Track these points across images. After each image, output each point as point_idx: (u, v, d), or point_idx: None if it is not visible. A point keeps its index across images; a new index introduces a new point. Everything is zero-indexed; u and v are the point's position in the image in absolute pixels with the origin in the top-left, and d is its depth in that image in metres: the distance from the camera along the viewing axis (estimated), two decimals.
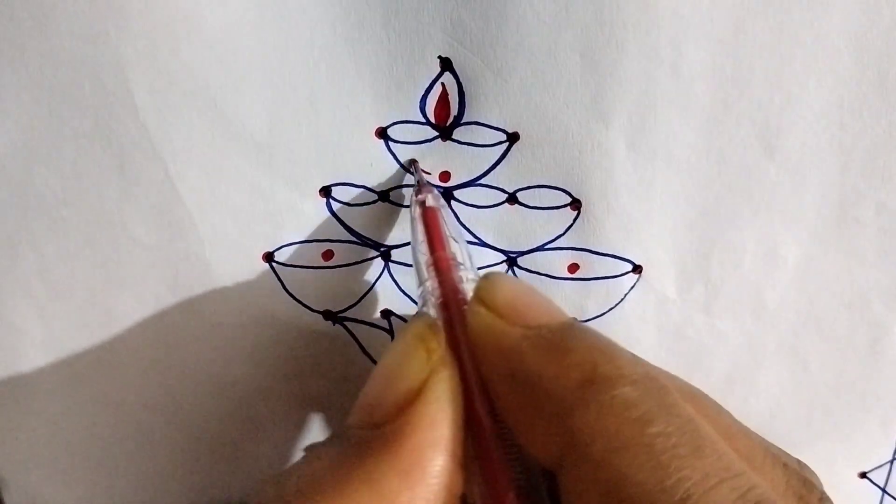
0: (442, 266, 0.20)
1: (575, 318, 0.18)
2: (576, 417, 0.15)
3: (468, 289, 0.19)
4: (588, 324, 0.25)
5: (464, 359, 0.18)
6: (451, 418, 0.17)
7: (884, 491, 0.29)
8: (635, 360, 0.17)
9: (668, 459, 0.14)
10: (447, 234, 0.21)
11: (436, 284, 0.19)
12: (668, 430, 0.15)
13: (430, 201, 0.21)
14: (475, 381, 0.17)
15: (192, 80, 0.21)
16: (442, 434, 0.16)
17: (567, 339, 0.17)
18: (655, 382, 0.16)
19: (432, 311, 0.19)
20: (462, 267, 0.20)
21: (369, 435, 0.17)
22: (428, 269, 0.20)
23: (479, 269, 0.24)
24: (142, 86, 0.21)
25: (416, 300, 0.21)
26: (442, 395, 0.17)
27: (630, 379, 0.16)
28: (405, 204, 0.23)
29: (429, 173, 0.23)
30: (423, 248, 0.21)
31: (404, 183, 0.23)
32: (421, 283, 0.20)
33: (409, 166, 0.23)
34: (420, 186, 0.22)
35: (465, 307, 0.18)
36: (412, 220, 0.22)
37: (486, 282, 0.18)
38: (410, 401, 0.17)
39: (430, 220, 0.21)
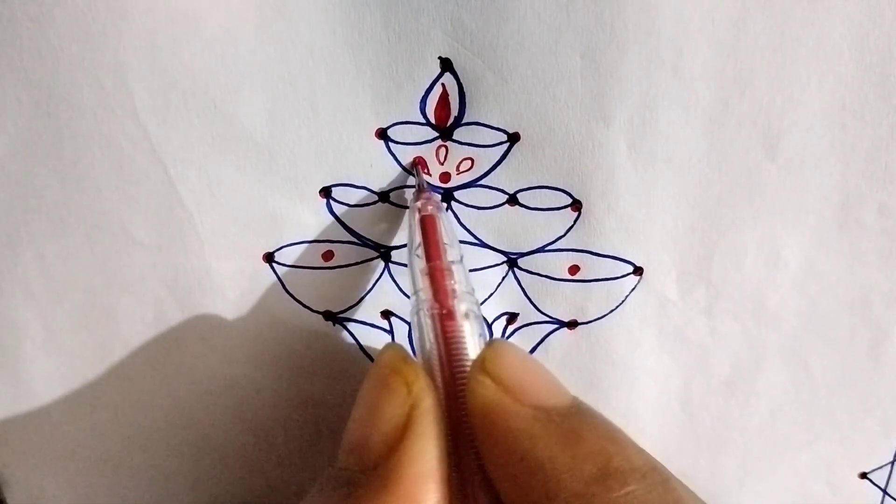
0: (436, 276, 0.20)
1: (578, 399, 0.18)
2: None
3: (460, 303, 0.19)
4: (589, 326, 0.25)
5: (448, 380, 0.18)
6: (439, 448, 0.17)
7: (884, 492, 0.29)
8: (640, 449, 0.17)
9: None
10: (444, 242, 0.21)
11: (429, 294, 0.20)
12: None
13: (428, 209, 0.21)
14: (459, 416, 0.18)
15: (192, 82, 0.21)
16: (433, 466, 0.17)
17: (578, 425, 0.17)
18: (661, 475, 0.16)
19: (425, 320, 0.19)
20: (456, 279, 0.20)
21: (363, 478, 0.17)
22: (423, 278, 0.20)
23: (479, 269, 0.24)
24: (141, 87, 0.21)
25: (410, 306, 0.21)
26: (428, 426, 0.17)
27: (640, 472, 0.16)
28: (406, 205, 0.23)
29: (430, 174, 0.23)
30: (420, 253, 0.21)
31: (406, 184, 0.23)
32: (415, 290, 0.20)
33: (412, 168, 0.23)
34: (420, 192, 0.22)
35: (462, 343, 0.18)
36: (410, 225, 0.22)
37: (491, 352, 0.18)
38: (398, 437, 0.17)
39: (427, 228, 0.21)
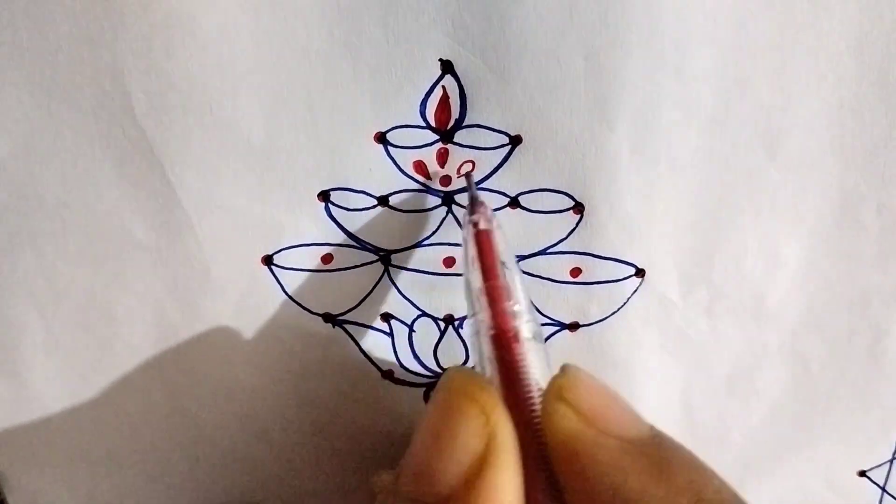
0: (496, 297, 0.19)
1: (654, 426, 0.18)
2: None
3: (522, 324, 0.18)
4: (591, 328, 0.25)
5: (513, 405, 0.17)
6: (518, 483, 0.16)
7: (883, 490, 0.29)
8: (721, 479, 0.17)
9: None
10: (500, 259, 0.20)
11: (488, 316, 0.19)
12: None
13: (483, 223, 0.20)
14: (531, 441, 0.17)
15: (189, 84, 0.21)
16: (512, 500, 0.16)
17: (666, 456, 0.17)
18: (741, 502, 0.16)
19: (485, 343, 0.19)
20: (515, 300, 0.19)
21: None
22: (482, 298, 0.19)
23: None
24: (139, 89, 0.21)
25: (468, 328, 0.20)
26: (508, 460, 0.16)
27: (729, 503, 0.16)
28: (404, 209, 0.23)
29: (430, 178, 0.23)
30: (476, 272, 0.20)
31: (406, 188, 0.23)
32: (473, 312, 0.19)
33: (466, 179, 0.22)
34: (473, 204, 0.21)
35: (536, 393, 0.17)
36: (464, 241, 0.21)
37: (567, 380, 0.17)
38: (476, 469, 0.16)
39: (483, 245, 0.20)
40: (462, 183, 0.23)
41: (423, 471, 0.17)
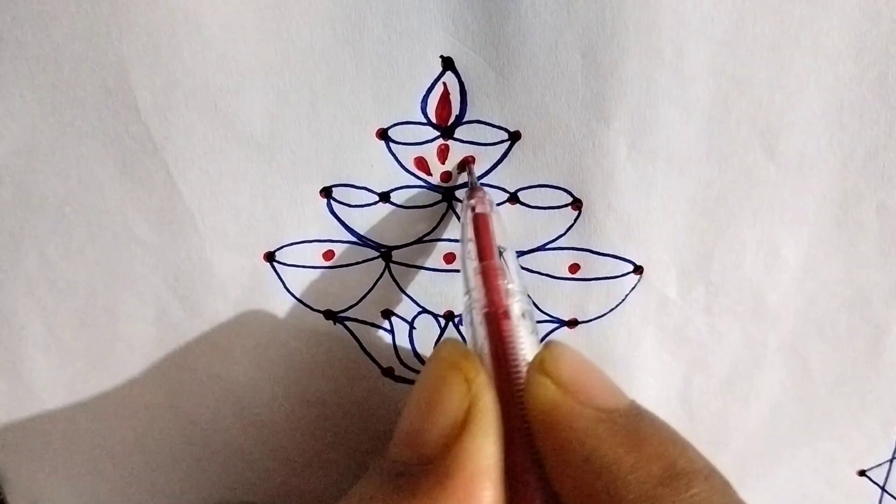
0: (489, 276, 0.19)
1: (634, 400, 0.18)
2: None
3: (513, 302, 0.19)
4: (589, 324, 0.25)
5: (501, 378, 0.18)
6: (497, 446, 0.17)
7: (883, 489, 0.29)
8: (698, 451, 0.17)
9: None
10: (497, 242, 0.20)
11: (482, 294, 0.19)
12: None
13: (481, 207, 0.21)
14: (515, 412, 0.18)
15: (193, 81, 0.21)
16: (490, 464, 0.17)
17: (641, 426, 0.17)
18: (721, 478, 0.17)
19: (477, 319, 0.19)
20: (509, 279, 0.20)
21: (417, 472, 0.17)
22: (475, 277, 0.20)
23: None
24: (143, 86, 0.21)
25: (462, 306, 0.20)
26: (487, 425, 0.17)
27: (703, 474, 0.16)
28: (407, 205, 0.23)
29: (430, 174, 0.23)
30: (472, 254, 0.20)
31: (408, 184, 0.23)
32: (467, 290, 0.20)
33: (464, 167, 0.23)
34: (473, 190, 0.22)
35: (524, 368, 0.18)
36: (462, 224, 0.21)
37: (549, 353, 0.18)
38: (456, 433, 0.17)
39: (480, 227, 0.20)
40: (463, 179, 0.23)
41: (409, 436, 0.18)
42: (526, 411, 0.17)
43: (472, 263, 0.20)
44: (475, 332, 0.19)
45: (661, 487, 0.16)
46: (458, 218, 0.24)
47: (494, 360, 0.18)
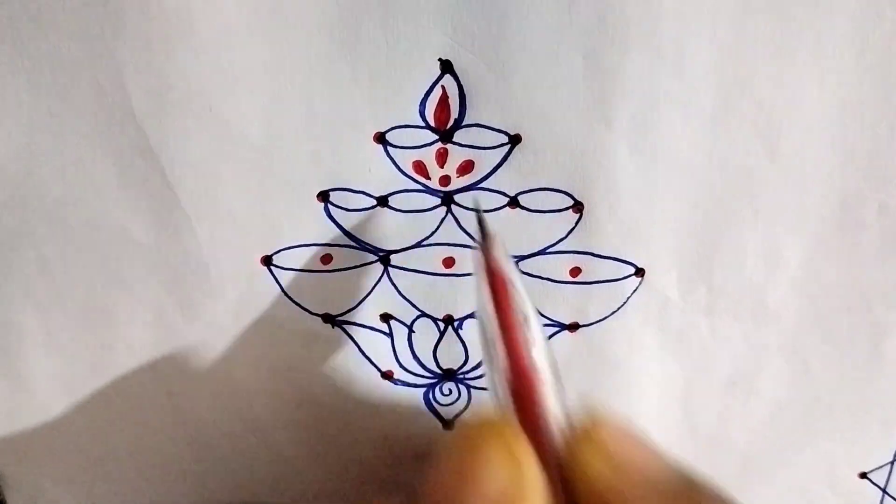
0: (514, 347, 0.18)
1: (685, 471, 0.17)
2: None
3: (541, 372, 0.18)
4: (591, 328, 0.25)
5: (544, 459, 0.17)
6: None
7: (884, 492, 0.29)
8: None
9: None
10: (518, 305, 0.19)
11: (507, 365, 0.18)
12: None
13: (499, 267, 0.19)
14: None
15: (188, 84, 0.21)
16: None
17: (695, 498, 0.16)
18: None
19: (503, 386, 0.18)
20: (532, 337, 0.18)
21: None
22: (498, 344, 0.18)
23: None
24: (138, 89, 0.21)
25: (485, 375, 0.20)
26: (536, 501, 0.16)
27: None
28: (404, 209, 0.23)
29: (429, 178, 0.23)
30: (492, 315, 0.19)
31: (406, 188, 0.23)
32: (490, 360, 0.19)
33: (478, 219, 0.21)
34: (486, 245, 0.20)
35: (565, 446, 0.17)
36: (478, 284, 0.20)
37: (594, 422, 0.17)
38: None
39: (499, 292, 0.19)
40: (462, 183, 0.23)
41: (451, 500, 0.16)
42: (570, 485, 0.17)
43: (493, 331, 0.18)
44: (500, 398, 0.18)
45: None
46: (458, 223, 0.23)
47: (527, 430, 0.17)
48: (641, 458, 0.17)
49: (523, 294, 0.19)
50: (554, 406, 0.18)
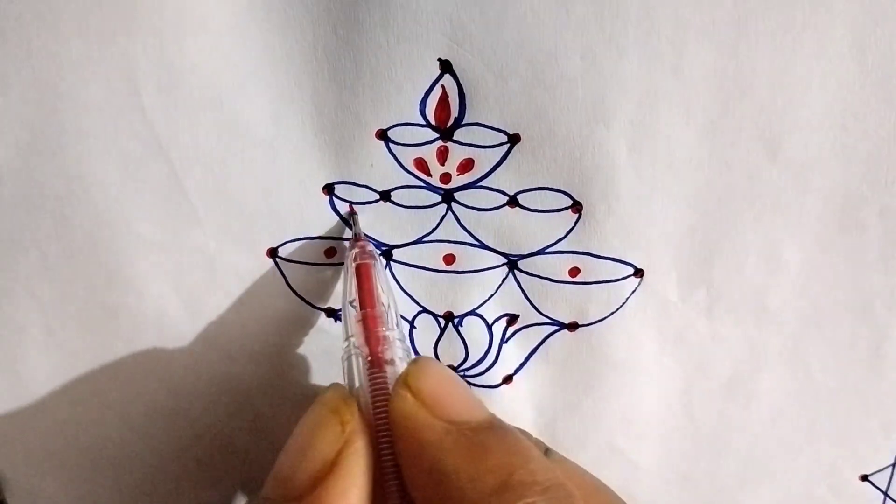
0: (370, 323, 0.21)
1: (494, 415, 0.19)
2: None
3: (394, 350, 0.20)
4: (590, 328, 0.25)
5: (380, 425, 0.19)
6: (363, 491, 0.18)
7: (886, 494, 0.29)
8: (548, 465, 0.18)
9: None
10: (379, 289, 0.21)
11: (363, 341, 0.20)
12: None
13: (362, 257, 0.22)
14: (388, 453, 0.18)
15: (199, 79, 0.21)
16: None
17: (486, 439, 0.18)
18: (564, 490, 0.17)
19: (356, 366, 0.20)
20: (388, 327, 0.21)
21: None
22: (356, 324, 0.21)
23: (479, 270, 0.24)
24: (149, 84, 0.21)
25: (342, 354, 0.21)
26: (355, 467, 0.18)
27: (542, 486, 0.17)
28: (407, 204, 0.23)
29: (430, 175, 0.23)
30: (355, 301, 0.21)
31: (409, 184, 0.23)
32: (346, 337, 0.21)
33: (348, 217, 0.23)
34: (355, 240, 0.23)
35: (391, 388, 0.19)
36: (345, 274, 0.23)
37: (414, 367, 0.19)
38: (324, 473, 0.18)
39: (362, 276, 0.21)
40: (462, 181, 0.23)
41: (282, 476, 0.18)
42: (389, 425, 0.18)
43: (353, 312, 0.21)
44: (354, 376, 0.20)
45: (492, 497, 0.16)
46: (458, 220, 0.24)
47: (375, 404, 0.19)
48: (449, 398, 0.18)
49: (384, 282, 0.22)
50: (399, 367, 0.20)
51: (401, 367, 0.20)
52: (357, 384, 0.20)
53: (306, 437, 0.19)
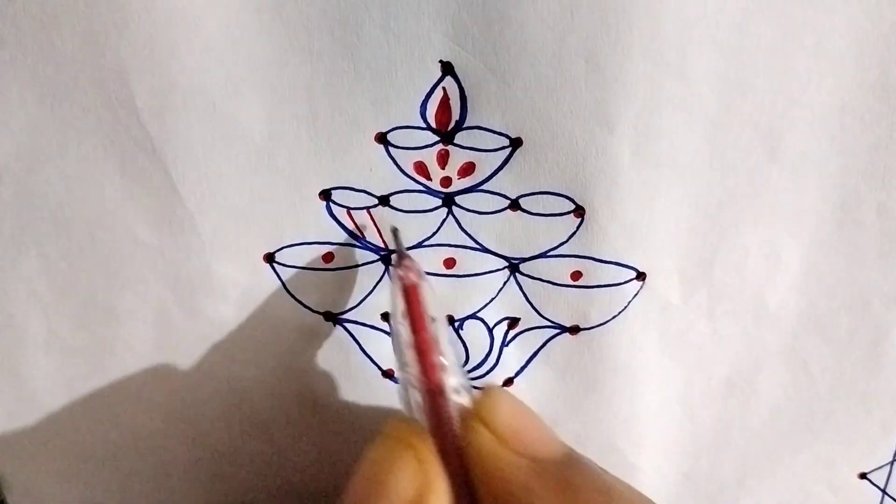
0: (423, 348, 0.20)
1: (571, 448, 0.19)
2: None
3: (450, 376, 0.19)
4: (592, 331, 0.25)
5: (450, 460, 0.18)
6: None
7: (884, 492, 0.29)
8: (634, 498, 0.18)
9: None
10: (428, 312, 0.20)
11: (418, 370, 0.19)
12: None
13: (410, 278, 0.21)
14: (464, 491, 0.18)
15: (191, 83, 0.21)
16: None
17: (572, 476, 0.17)
18: None
19: (413, 394, 0.19)
20: (441, 352, 0.20)
21: None
22: (409, 352, 0.20)
23: (480, 274, 0.24)
24: (142, 87, 0.21)
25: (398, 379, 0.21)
26: None
27: None
28: (406, 209, 0.23)
29: (430, 179, 0.23)
30: (405, 324, 0.20)
31: (406, 188, 0.23)
32: (401, 366, 0.20)
33: (393, 234, 0.23)
34: (400, 259, 0.22)
35: (460, 420, 0.18)
36: (392, 294, 0.21)
37: (486, 398, 0.18)
38: None
39: (411, 299, 0.20)
40: (463, 185, 0.23)
41: None
42: (471, 481, 0.18)
43: (406, 336, 0.20)
44: (411, 403, 0.19)
45: None
46: (459, 224, 0.23)
47: (434, 435, 0.18)
48: (526, 432, 0.18)
49: (435, 302, 0.21)
50: (458, 396, 0.19)
51: (457, 394, 0.19)
52: (416, 411, 0.19)
53: (382, 472, 0.18)
